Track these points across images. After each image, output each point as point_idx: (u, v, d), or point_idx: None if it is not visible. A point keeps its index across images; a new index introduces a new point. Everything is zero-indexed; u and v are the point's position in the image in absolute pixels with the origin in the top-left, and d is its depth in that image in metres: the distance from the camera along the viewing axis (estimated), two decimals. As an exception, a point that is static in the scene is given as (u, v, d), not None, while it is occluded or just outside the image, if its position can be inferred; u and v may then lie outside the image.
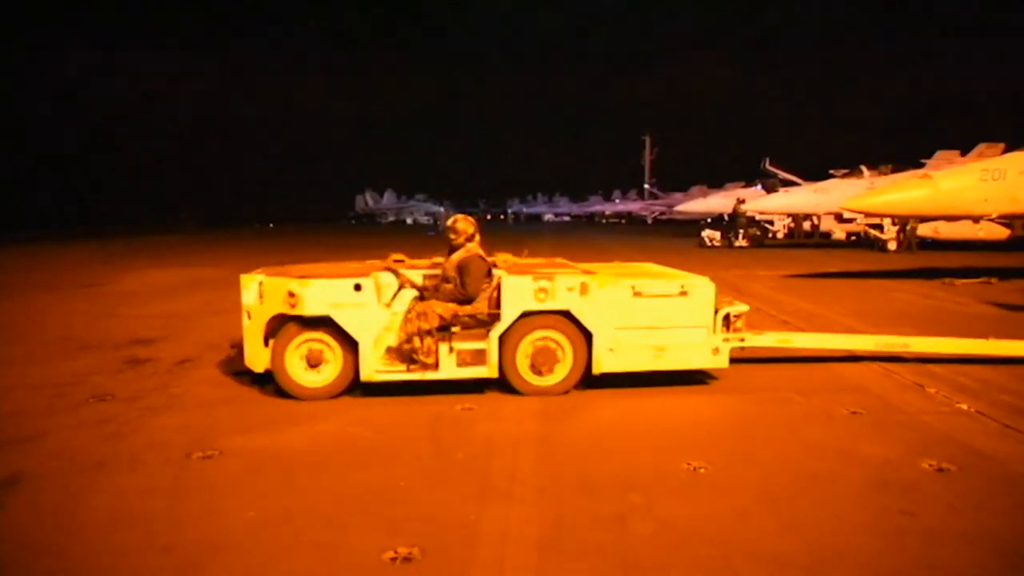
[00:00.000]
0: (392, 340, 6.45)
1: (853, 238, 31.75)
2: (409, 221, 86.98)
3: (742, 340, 6.91)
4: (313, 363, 6.39)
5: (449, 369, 6.45)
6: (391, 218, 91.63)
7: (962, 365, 7.58)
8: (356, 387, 6.46)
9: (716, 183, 53.51)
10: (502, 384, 6.57)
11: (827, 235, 33.51)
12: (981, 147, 27.56)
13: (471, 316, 6.53)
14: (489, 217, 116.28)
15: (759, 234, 32.81)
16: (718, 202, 41.50)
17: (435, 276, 6.90)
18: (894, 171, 27.07)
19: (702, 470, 4.73)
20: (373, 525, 3.95)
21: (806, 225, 35.15)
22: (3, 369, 7.78)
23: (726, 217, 37.58)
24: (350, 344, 6.35)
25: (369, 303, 6.38)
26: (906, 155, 30.70)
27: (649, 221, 71.92)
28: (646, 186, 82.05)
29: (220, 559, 3.60)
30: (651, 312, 6.62)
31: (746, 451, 5.13)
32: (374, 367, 6.38)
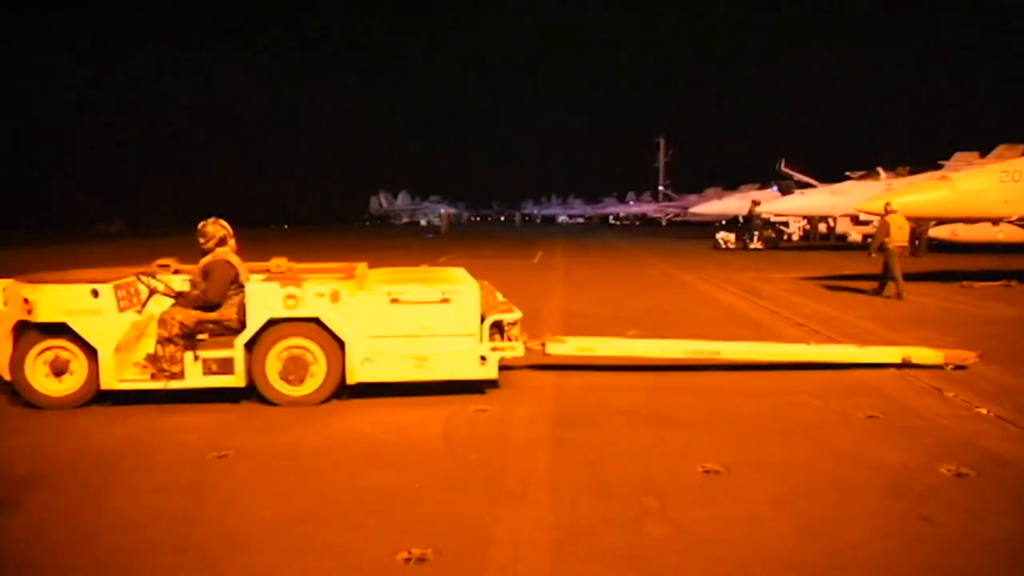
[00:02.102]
0: (149, 347, 6.28)
1: (869, 240, 31.47)
2: (423, 223, 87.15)
3: (511, 349, 6.57)
4: (57, 371, 6.13)
5: (195, 378, 6.23)
6: (405, 219, 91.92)
7: (981, 369, 7.49)
8: (104, 397, 6.26)
9: (731, 185, 53.32)
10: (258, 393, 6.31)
11: (843, 237, 33.25)
12: (1001, 148, 27.26)
13: (217, 323, 6.35)
14: (503, 219, 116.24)
15: (774, 236, 32.62)
16: (733, 204, 41.34)
17: None
18: (911, 173, 26.82)
19: (717, 473, 4.71)
20: (387, 526, 3.95)
21: (822, 227, 34.94)
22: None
23: (741, 219, 37.39)
24: (92, 352, 6.11)
25: (108, 310, 6.12)
26: (924, 156, 30.41)
27: (663, 223, 71.71)
28: (660, 188, 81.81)
29: (235, 558, 3.62)
30: (411, 320, 6.36)
31: (761, 454, 5.09)
32: (117, 375, 6.15)
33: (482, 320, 6.52)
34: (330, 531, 3.91)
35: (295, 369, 6.27)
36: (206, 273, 6.49)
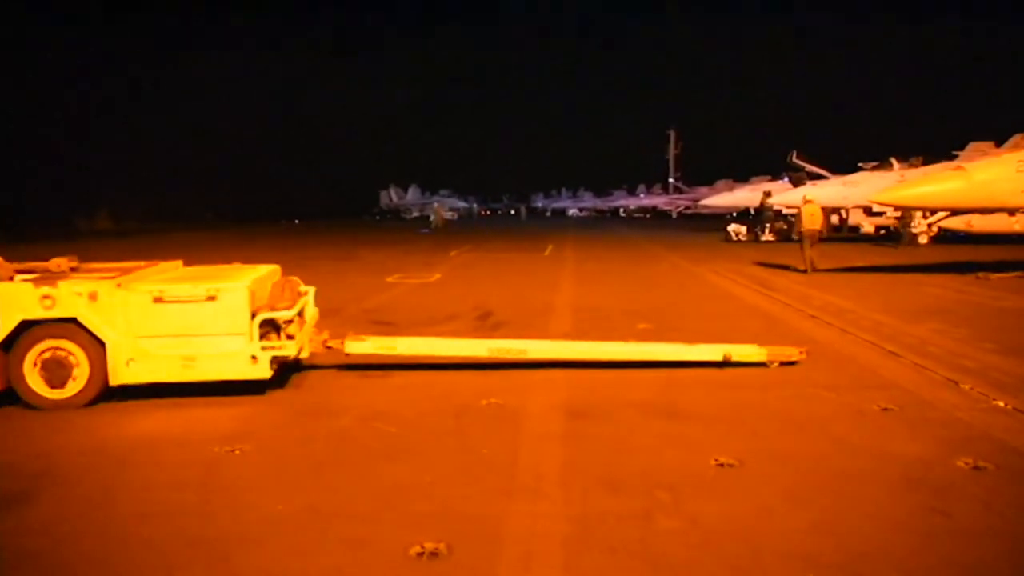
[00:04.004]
0: None
1: (882, 232, 31.25)
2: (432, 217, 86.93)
3: (282, 348, 6.38)
4: None
5: None
6: (415, 213, 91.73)
7: (998, 361, 7.41)
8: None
9: (742, 177, 53.01)
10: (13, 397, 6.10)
11: (856, 229, 33.00)
12: (1017, 138, 26.84)
13: None
14: (513, 212, 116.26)
15: (786, 228, 32.40)
16: (744, 196, 40.99)
17: None
18: (925, 163, 26.54)
19: (730, 467, 4.68)
20: (400, 520, 3.95)
21: (834, 219, 34.65)
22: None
23: (752, 211, 37.17)
24: None
25: None
26: (938, 146, 30.08)
27: (674, 215, 71.32)
28: (671, 180, 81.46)
29: (248, 552, 3.63)
30: (177, 319, 6.19)
31: (775, 447, 5.05)
32: None
33: (252, 318, 6.33)
34: (343, 525, 3.91)
35: (56, 371, 6.11)
36: None
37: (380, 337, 7.33)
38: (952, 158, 26.03)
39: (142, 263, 7.42)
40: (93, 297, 6.12)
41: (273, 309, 6.52)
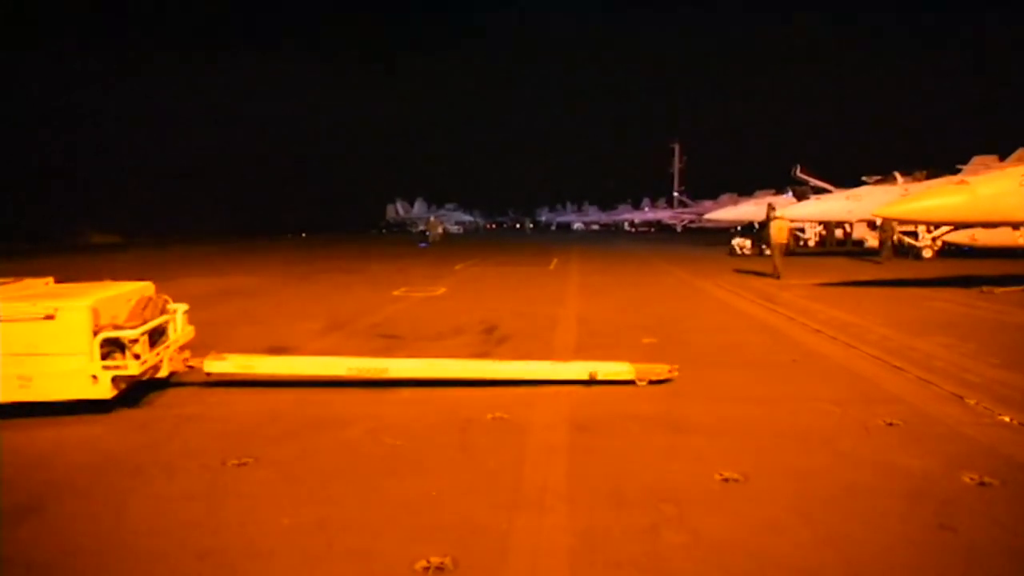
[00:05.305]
0: None
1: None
2: (439, 230, 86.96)
3: (126, 368, 6.23)
4: None
5: None
6: (421, 227, 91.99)
7: (1004, 375, 7.41)
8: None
9: (746, 191, 53.16)
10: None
11: (860, 243, 33.02)
12: (1021, 151, 26.93)
13: None
14: (519, 226, 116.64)
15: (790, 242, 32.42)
16: (748, 210, 41.13)
17: None
18: (929, 177, 26.60)
19: (735, 481, 4.68)
20: (406, 534, 3.97)
21: (838, 233, 34.72)
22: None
23: (756, 225, 37.23)
24: None
25: None
26: (941, 160, 30.11)
27: (678, 229, 71.49)
28: (675, 194, 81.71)
29: (255, 565, 3.65)
30: (13, 338, 6.03)
31: (780, 461, 5.06)
32: None
33: (94, 337, 6.19)
34: (349, 538, 3.93)
35: None
36: None
37: (240, 356, 7.24)
38: (956, 172, 26.08)
39: (8, 280, 7.28)
40: None
41: (118, 328, 6.39)
